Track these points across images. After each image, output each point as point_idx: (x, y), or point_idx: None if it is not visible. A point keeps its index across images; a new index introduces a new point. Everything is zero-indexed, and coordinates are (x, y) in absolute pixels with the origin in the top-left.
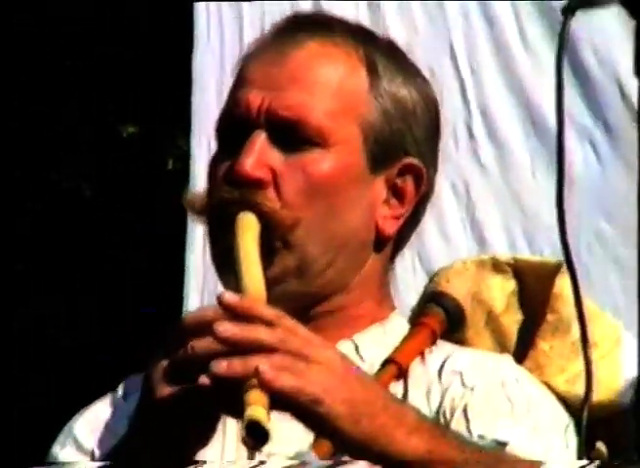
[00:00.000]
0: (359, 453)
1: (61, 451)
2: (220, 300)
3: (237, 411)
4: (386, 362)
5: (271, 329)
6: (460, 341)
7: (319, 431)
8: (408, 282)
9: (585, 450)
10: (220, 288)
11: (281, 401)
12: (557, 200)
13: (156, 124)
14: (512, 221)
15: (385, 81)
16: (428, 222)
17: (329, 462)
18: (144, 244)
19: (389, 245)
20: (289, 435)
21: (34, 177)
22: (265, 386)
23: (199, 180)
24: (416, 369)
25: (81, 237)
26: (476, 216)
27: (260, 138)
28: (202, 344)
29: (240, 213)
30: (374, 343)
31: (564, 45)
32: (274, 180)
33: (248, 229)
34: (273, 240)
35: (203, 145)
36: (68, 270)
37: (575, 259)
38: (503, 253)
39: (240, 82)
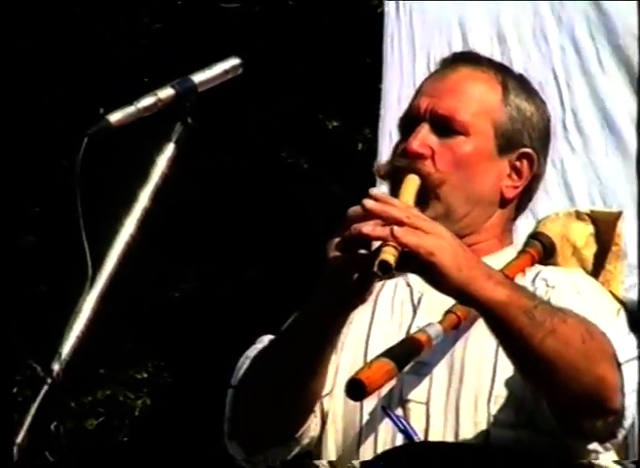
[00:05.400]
0: (458, 295)
1: None
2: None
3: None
4: None
5: (402, 210)
6: (553, 266)
7: (431, 278)
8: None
9: None
10: None
11: (406, 256)
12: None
13: (349, 120)
14: (592, 186)
15: (513, 96)
16: None
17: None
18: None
19: (511, 205)
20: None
21: (269, 155)
22: (396, 241)
23: (383, 156)
24: (518, 279)
25: (296, 197)
26: (568, 181)
27: (425, 128)
28: (360, 226)
29: (408, 174)
30: (490, 265)
31: None
32: (432, 155)
33: (410, 184)
34: (429, 193)
35: (386, 134)
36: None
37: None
38: (584, 207)
39: (416, 95)
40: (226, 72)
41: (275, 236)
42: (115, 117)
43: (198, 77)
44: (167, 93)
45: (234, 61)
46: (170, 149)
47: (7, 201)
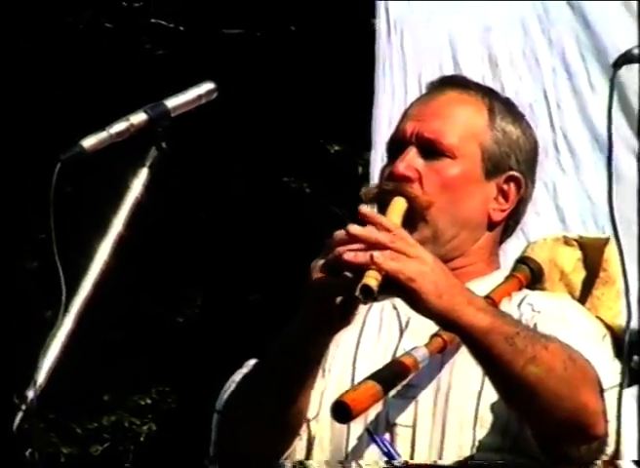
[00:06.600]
0: (440, 321)
1: None
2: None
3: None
4: (484, 298)
5: (386, 233)
6: (540, 290)
7: (412, 303)
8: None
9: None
10: None
11: (388, 281)
12: (608, 195)
13: (350, 144)
14: (583, 208)
15: (499, 120)
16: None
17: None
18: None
19: (498, 228)
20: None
21: (271, 180)
22: (377, 267)
23: (376, 180)
24: (504, 303)
25: (299, 221)
26: (559, 203)
27: (412, 151)
28: (342, 251)
29: (395, 197)
30: (477, 288)
31: (614, 88)
32: (419, 178)
33: (397, 206)
34: (416, 216)
35: (379, 158)
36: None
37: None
38: (572, 232)
39: (403, 118)
40: (200, 97)
41: (279, 260)
42: (88, 143)
43: (171, 102)
44: (139, 118)
45: (209, 86)
46: (144, 174)
47: (7, 204)
